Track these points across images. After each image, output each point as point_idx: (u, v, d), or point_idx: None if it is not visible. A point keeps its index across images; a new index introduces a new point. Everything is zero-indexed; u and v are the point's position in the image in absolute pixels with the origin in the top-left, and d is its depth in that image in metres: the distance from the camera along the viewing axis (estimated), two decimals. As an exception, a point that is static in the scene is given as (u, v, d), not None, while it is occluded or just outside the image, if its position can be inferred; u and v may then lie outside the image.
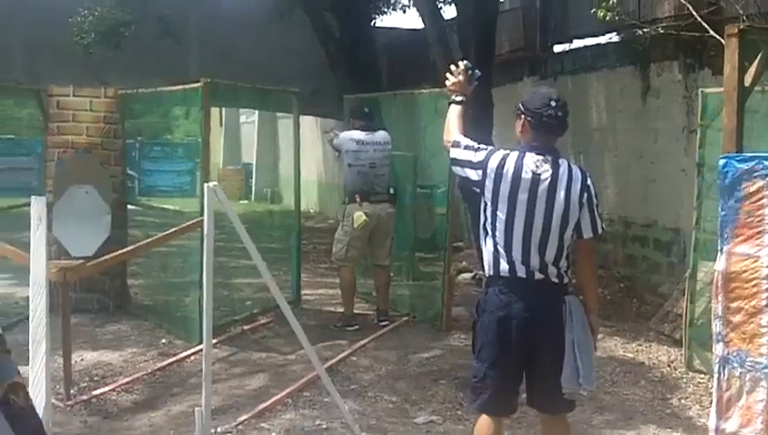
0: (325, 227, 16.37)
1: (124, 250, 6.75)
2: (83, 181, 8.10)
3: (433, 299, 8.52)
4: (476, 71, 4.40)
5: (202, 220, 6.82)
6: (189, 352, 6.81)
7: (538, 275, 3.86)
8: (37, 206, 3.77)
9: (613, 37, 11.58)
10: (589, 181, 3.94)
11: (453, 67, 4.38)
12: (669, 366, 7.05)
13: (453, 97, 4.33)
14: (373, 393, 6.03)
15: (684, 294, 8.20)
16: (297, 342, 6.80)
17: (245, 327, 7.80)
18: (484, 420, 4.00)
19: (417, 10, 11.89)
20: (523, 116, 3.97)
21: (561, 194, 3.83)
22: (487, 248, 3.94)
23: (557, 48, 12.94)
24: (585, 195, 3.89)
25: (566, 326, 3.81)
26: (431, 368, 6.71)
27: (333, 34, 13.76)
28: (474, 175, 3.96)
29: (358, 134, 8.08)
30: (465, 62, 4.41)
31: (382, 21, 15.37)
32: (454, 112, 4.27)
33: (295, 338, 6.71)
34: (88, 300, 8.27)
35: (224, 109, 22.72)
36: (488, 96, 10.34)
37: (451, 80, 4.35)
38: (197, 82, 7.61)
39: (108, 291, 8.39)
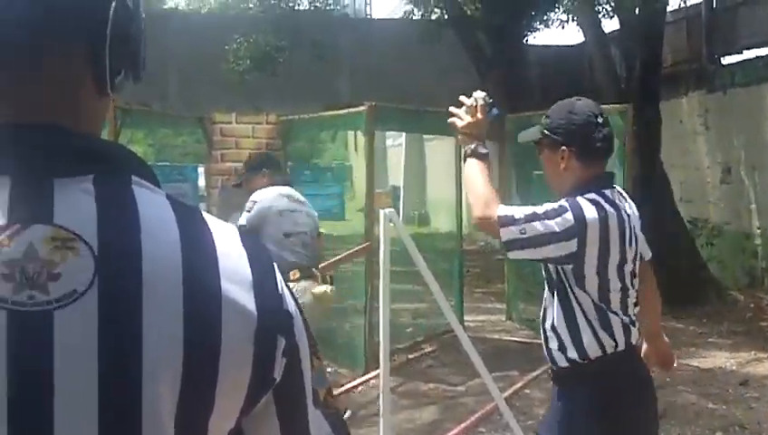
0: (475, 250, 16.06)
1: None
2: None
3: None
4: (494, 107, 3.12)
5: (370, 245, 6.76)
6: (357, 381, 6.64)
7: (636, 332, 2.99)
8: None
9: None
10: None
11: (464, 99, 3.10)
12: None
13: (471, 146, 3.01)
14: (553, 429, 5.69)
15: None
16: (465, 372, 6.60)
17: (409, 356, 7.58)
18: None
19: (577, 24, 11.50)
20: (565, 148, 2.90)
21: (637, 226, 2.99)
22: (599, 330, 2.86)
23: (725, 60, 12.27)
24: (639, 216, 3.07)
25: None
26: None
27: (485, 54, 13.50)
28: (563, 249, 2.78)
29: (285, 190, 5.74)
30: (482, 93, 3.12)
31: (535, 38, 15.02)
32: (479, 170, 2.98)
33: (463, 368, 6.51)
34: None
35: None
36: (655, 113, 9.86)
37: (463, 118, 3.05)
38: (352, 106, 7.51)
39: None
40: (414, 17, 15.47)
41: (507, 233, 2.80)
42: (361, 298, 7.13)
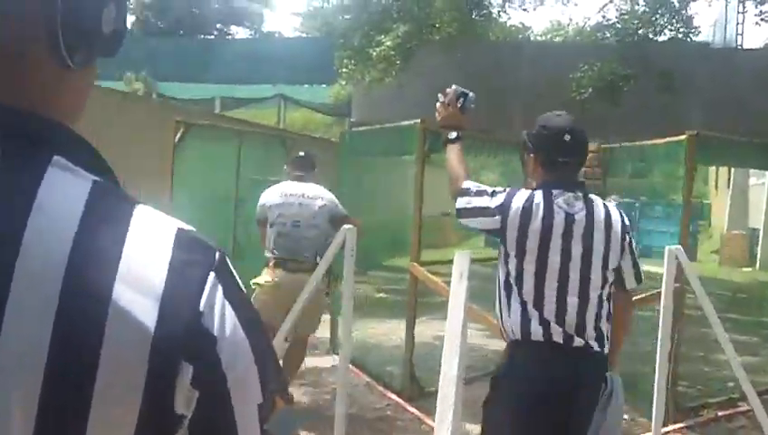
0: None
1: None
2: (558, 238, 7.85)
3: None
4: (470, 94, 3.65)
5: (680, 288, 6.19)
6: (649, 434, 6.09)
7: (577, 341, 3.12)
8: (460, 261, 3.45)
9: None
10: (627, 221, 3.36)
11: (440, 95, 3.69)
12: None
13: (447, 135, 3.64)
14: None
15: None
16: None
17: (720, 413, 6.83)
18: None
19: None
20: (532, 155, 3.32)
21: (600, 235, 3.21)
22: (512, 309, 3.20)
23: None
24: (627, 237, 3.30)
25: (600, 408, 3.13)
26: None
27: None
28: (491, 223, 3.29)
29: (284, 185, 6.32)
30: (455, 86, 3.69)
31: None
32: (452, 153, 3.59)
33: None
34: (554, 361, 7.94)
35: (733, 169, 21.31)
36: None
37: (440, 111, 3.68)
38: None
39: (575, 354, 7.98)
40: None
41: (459, 202, 3.39)
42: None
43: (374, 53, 13.93)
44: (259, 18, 48.19)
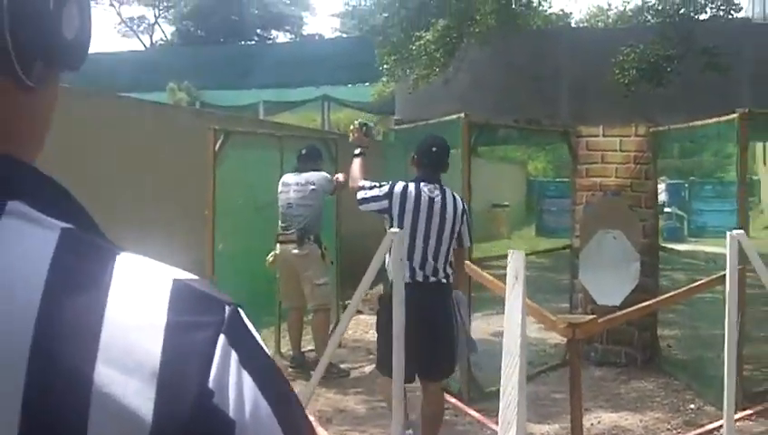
0: None
1: (638, 306, 5.98)
2: (611, 226, 7.67)
3: None
4: (370, 125, 5.83)
5: (743, 270, 5.95)
6: (716, 424, 5.86)
7: (432, 279, 4.93)
8: (515, 261, 3.30)
9: None
10: (464, 203, 5.20)
11: (351, 127, 5.62)
12: None
13: (354, 151, 5.44)
14: None
15: None
16: None
17: (791, 399, 6.55)
18: (386, 381, 4.75)
19: None
20: (414, 157, 5.16)
21: (449, 212, 4.97)
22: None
23: None
24: (464, 214, 5.09)
25: (456, 313, 4.98)
26: None
27: None
28: (380, 205, 5.01)
29: (285, 177, 7.81)
30: (359, 120, 5.90)
31: None
32: (356, 163, 5.35)
33: None
34: (615, 353, 7.76)
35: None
36: None
37: (351, 137, 5.55)
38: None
39: (636, 344, 7.77)
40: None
41: (359, 195, 5.09)
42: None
43: (413, 48, 13.75)
44: (299, 21, 48.24)
